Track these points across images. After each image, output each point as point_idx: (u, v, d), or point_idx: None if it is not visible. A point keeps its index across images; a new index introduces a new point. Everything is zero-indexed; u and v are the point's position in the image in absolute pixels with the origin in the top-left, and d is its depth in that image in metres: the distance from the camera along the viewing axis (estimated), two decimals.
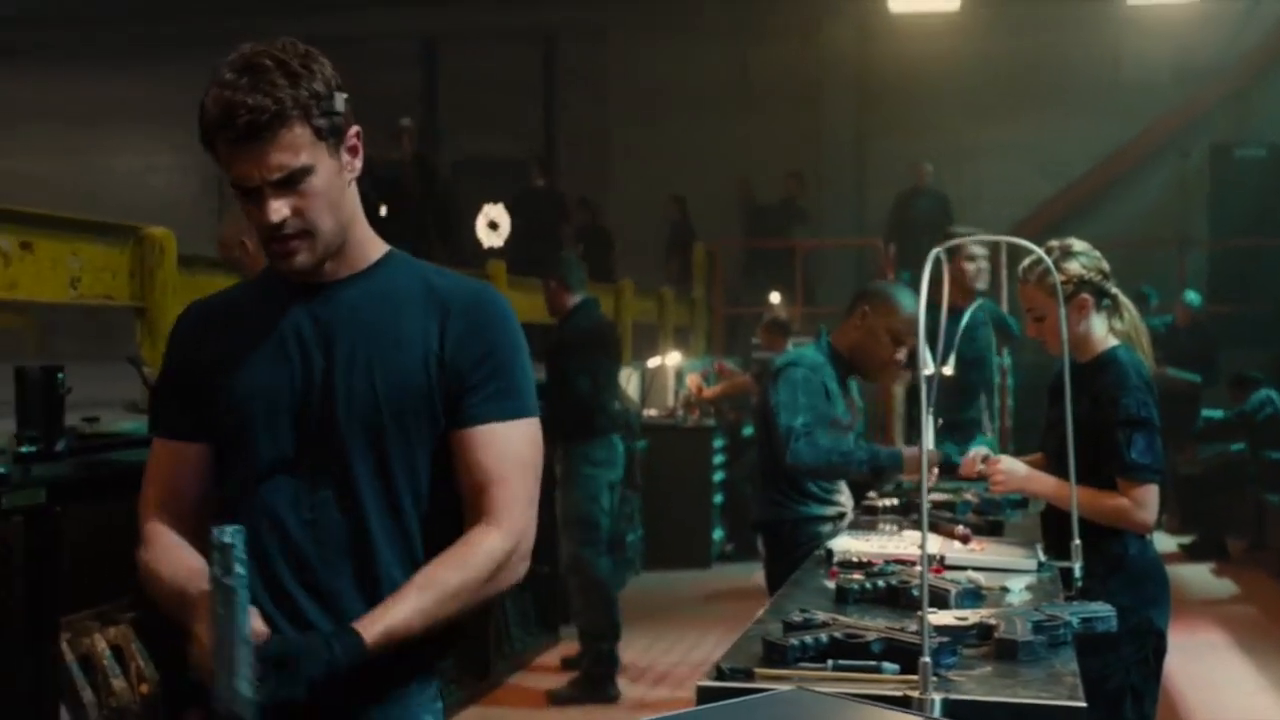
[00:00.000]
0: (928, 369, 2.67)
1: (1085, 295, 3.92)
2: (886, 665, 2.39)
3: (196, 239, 5.80)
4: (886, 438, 5.58)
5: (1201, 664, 7.59)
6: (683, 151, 16.84)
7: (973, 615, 2.72)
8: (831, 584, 3.21)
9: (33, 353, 13.56)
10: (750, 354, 11.95)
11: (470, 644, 6.86)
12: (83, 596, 4.19)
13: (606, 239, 14.95)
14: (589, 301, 7.12)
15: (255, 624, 2.09)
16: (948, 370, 4.67)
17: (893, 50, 16.72)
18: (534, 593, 7.81)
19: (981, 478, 4.13)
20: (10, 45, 18.90)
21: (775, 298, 13.45)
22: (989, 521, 4.22)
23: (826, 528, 4.84)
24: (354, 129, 2.27)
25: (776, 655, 2.46)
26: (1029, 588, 3.31)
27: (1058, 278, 3.55)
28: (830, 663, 2.42)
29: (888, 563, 3.38)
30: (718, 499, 10.96)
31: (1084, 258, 3.95)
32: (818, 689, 2.16)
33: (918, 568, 3.19)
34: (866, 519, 4.54)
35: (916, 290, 2.44)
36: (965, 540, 3.73)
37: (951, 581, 3.02)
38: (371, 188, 11.22)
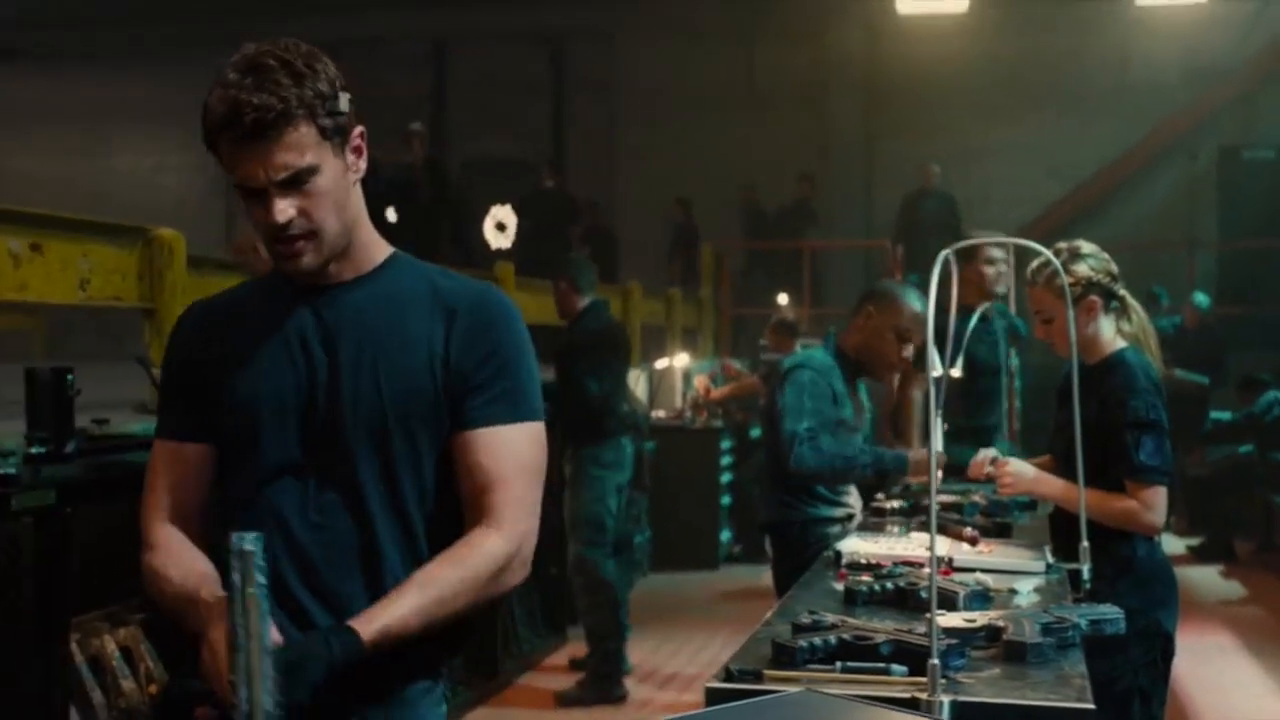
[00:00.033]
0: (936, 371, 2.67)
1: (1094, 297, 3.92)
2: (895, 667, 2.39)
3: (205, 240, 5.82)
4: (905, 443, 5.55)
5: (1210, 666, 7.59)
6: (689, 153, 16.86)
7: (981, 617, 2.71)
8: (840, 586, 3.21)
9: (42, 354, 13.59)
10: (758, 355, 11.95)
11: (478, 645, 6.87)
12: (92, 597, 4.19)
13: (611, 241, 14.97)
14: (599, 303, 7.13)
15: (272, 633, 2.06)
16: (955, 372, 4.67)
17: (900, 51, 16.72)
18: (541, 594, 7.82)
19: (990, 480, 4.13)
20: (17, 47, 18.95)
21: (783, 299, 13.45)
22: (997, 523, 4.22)
23: (834, 529, 4.84)
24: (358, 129, 2.26)
25: (785, 657, 2.46)
26: (1037, 590, 3.31)
27: (1066, 280, 3.54)
28: (839, 664, 2.42)
29: (896, 565, 3.37)
30: (725, 500, 10.96)
31: (1092, 260, 3.95)
32: (826, 691, 2.16)
33: (926, 569, 3.18)
34: (875, 521, 4.54)
35: (925, 292, 2.44)
36: (973, 542, 3.73)
37: (960, 583, 3.02)
38: (382, 191, 11.26)
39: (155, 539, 2.31)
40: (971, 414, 5.48)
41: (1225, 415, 11.79)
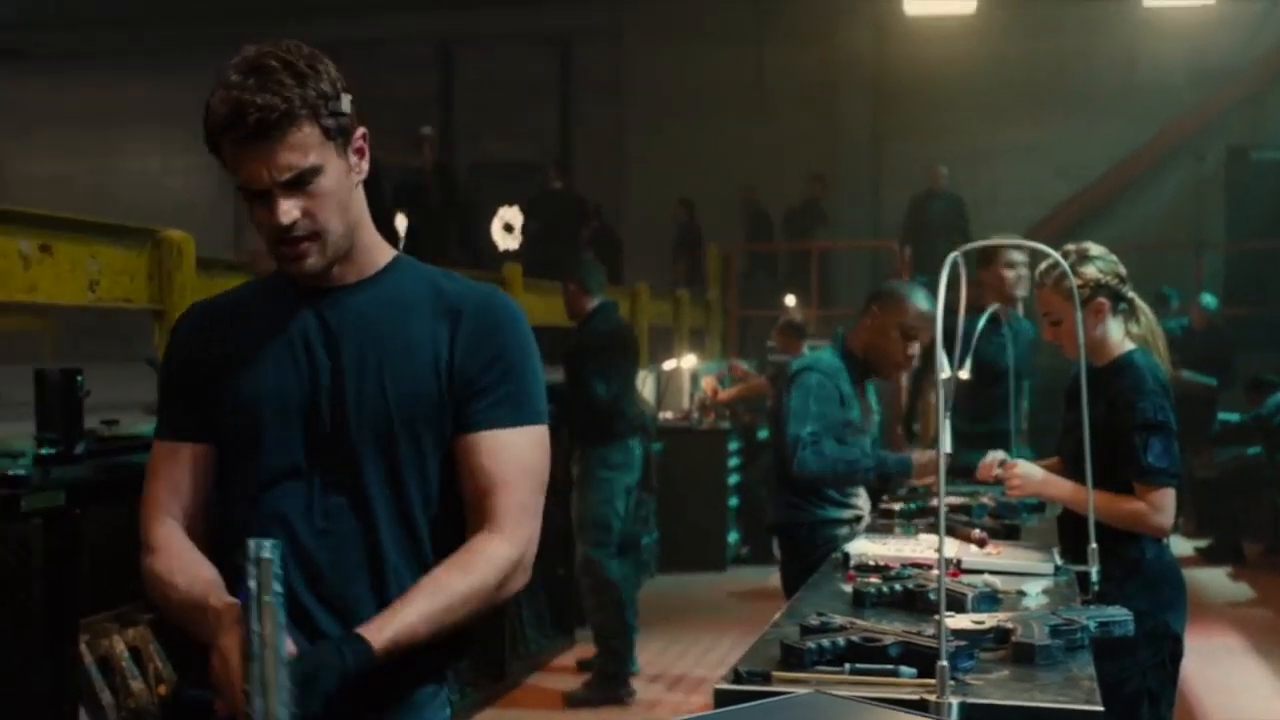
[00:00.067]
0: (944, 373, 2.67)
1: (1102, 299, 3.92)
2: (904, 669, 2.39)
3: (213, 241, 5.83)
4: (925, 445, 5.54)
5: (1218, 668, 7.58)
6: (697, 154, 16.87)
7: (990, 619, 2.71)
8: (848, 587, 3.21)
9: (51, 355, 13.61)
10: (765, 356, 11.94)
11: (486, 646, 6.88)
12: (101, 598, 4.20)
13: (615, 243, 14.97)
14: (607, 305, 7.14)
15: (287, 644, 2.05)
16: (964, 374, 4.67)
17: (908, 53, 16.72)
18: (549, 595, 7.83)
19: (998, 482, 4.13)
20: (25, 48, 18.97)
21: (790, 300, 13.45)
22: (1005, 525, 4.22)
23: (843, 531, 4.85)
24: (360, 131, 2.26)
25: (794, 658, 2.46)
26: (1046, 591, 3.31)
27: (1074, 282, 3.55)
28: (847, 666, 2.42)
29: (904, 566, 3.37)
30: (733, 502, 10.96)
31: (1100, 262, 3.95)
32: (835, 692, 2.17)
33: (934, 571, 3.19)
34: (883, 522, 4.54)
35: (934, 293, 2.44)
36: (982, 544, 3.73)
37: (968, 585, 3.02)
38: (392, 194, 11.28)
39: (156, 542, 2.28)
40: (989, 418, 5.45)
41: (1233, 417, 11.77)
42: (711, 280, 14.49)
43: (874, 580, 3.19)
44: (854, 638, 2.50)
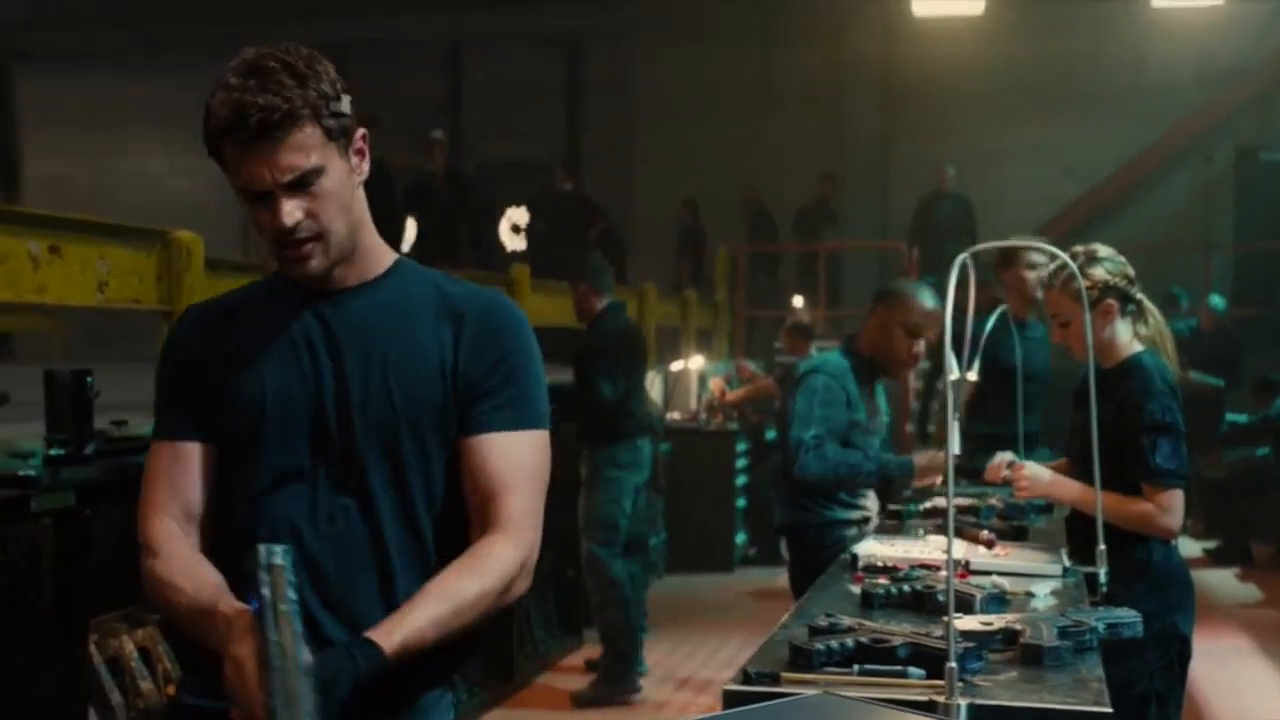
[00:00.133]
0: (953, 374, 2.67)
1: (1110, 300, 3.92)
2: (912, 670, 2.39)
3: (221, 242, 5.83)
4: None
5: (1226, 669, 7.57)
6: (706, 155, 16.86)
7: (998, 620, 2.72)
8: (857, 589, 3.21)
9: (60, 356, 13.63)
10: (772, 357, 11.95)
11: (494, 647, 6.89)
12: (111, 598, 4.21)
13: (620, 244, 14.97)
14: (616, 305, 7.16)
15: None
16: (972, 375, 4.68)
17: (916, 53, 16.71)
18: (557, 596, 7.84)
19: (1006, 483, 4.13)
20: (32, 48, 18.99)
21: (798, 301, 13.45)
22: (1013, 526, 4.22)
23: (850, 532, 4.85)
24: (360, 131, 2.25)
25: (802, 659, 2.47)
26: (1054, 593, 3.31)
27: (1083, 283, 3.54)
28: (856, 667, 2.43)
29: (912, 568, 3.38)
30: (740, 502, 10.96)
31: (1109, 263, 3.95)
32: (844, 693, 2.17)
33: (943, 572, 3.19)
34: (891, 524, 4.54)
35: (941, 293, 2.44)
36: (990, 545, 3.73)
37: (977, 586, 3.03)
38: (403, 198, 11.30)
39: (158, 544, 2.24)
40: (1009, 421, 5.43)
41: (1241, 418, 11.76)
42: (719, 281, 14.48)
43: (882, 581, 3.20)
44: (862, 639, 2.51)
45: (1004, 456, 4.14)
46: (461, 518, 2.28)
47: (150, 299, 4.82)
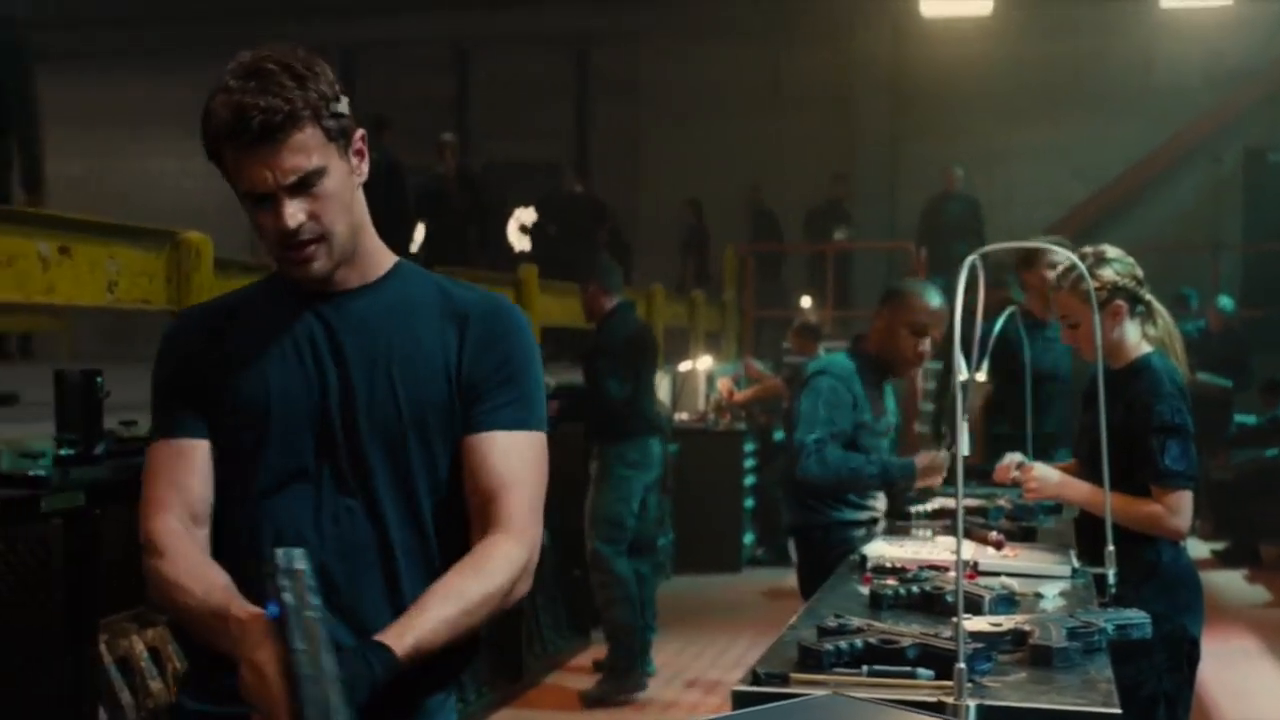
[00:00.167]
0: (962, 375, 2.67)
1: (1119, 302, 3.92)
2: (921, 671, 2.39)
3: (230, 242, 5.83)
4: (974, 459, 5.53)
5: (1235, 671, 7.56)
6: (712, 155, 16.87)
7: (1007, 621, 2.72)
8: (865, 590, 3.21)
9: (68, 356, 13.64)
10: (779, 357, 11.94)
11: (503, 648, 6.90)
12: (121, 598, 4.22)
13: (624, 246, 14.96)
14: (626, 305, 7.20)
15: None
16: (981, 377, 4.68)
17: (925, 54, 16.71)
18: (566, 596, 7.85)
19: (1015, 484, 4.13)
20: (42, 48, 19.00)
21: (806, 302, 13.45)
22: (1022, 527, 4.22)
23: (859, 532, 4.85)
24: (359, 132, 2.25)
25: (812, 660, 2.46)
26: (1063, 594, 3.30)
27: (1092, 284, 3.55)
28: (865, 668, 2.43)
29: (921, 569, 3.37)
30: (748, 503, 10.96)
31: (1118, 264, 3.95)
32: (853, 694, 2.17)
33: (951, 573, 3.19)
34: (900, 524, 4.54)
35: (948, 293, 2.44)
36: (999, 546, 3.73)
37: (985, 587, 3.03)
38: (415, 200, 11.31)
39: (163, 544, 2.19)
40: (1031, 421, 5.42)
41: (1250, 419, 11.75)
42: (728, 281, 14.48)
43: (891, 582, 3.19)
44: (871, 640, 2.50)
45: (1013, 457, 4.14)
46: (463, 518, 2.27)
47: (159, 299, 4.84)
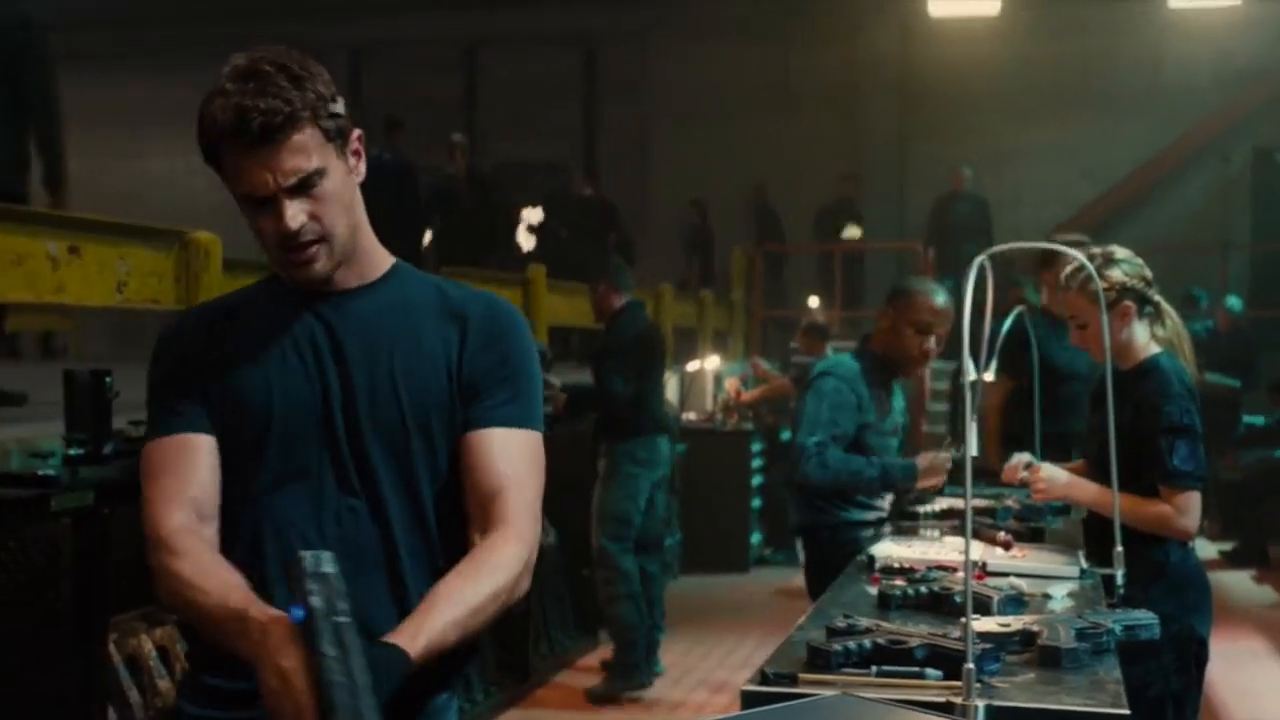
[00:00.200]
0: (970, 376, 2.67)
1: (1128, 302, 3.92)
2: (930, 671, 2.39)
3: (238, 242, 5.84)
4: (991, 460, 5.53)
5: (1243, 671, 7.55)
6: (721, 155, 16.87)
7: (1015, 622, 2.72)
8: (874, 590, 3.21)
9: (74, 355, 13.66)
10: (787, 357, 11.94)
11: (511, 647, 6.91)
12: (129, 597, 4.22)
13: (629, 247, 14.95)
14: (636, 304, 7.22)
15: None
16: (989, 376, 4.67)
17: (933, 54, 16.71)
18: (574, 595, 7.85)
19: (1023, 485, 4.13)
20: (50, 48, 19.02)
21: (814, 302, 13.44)
22: (1030, 528, 4.22)
23: (867, 533, 4.85)
24: (356, 132, 2.25)
25: (820, 660, 2.47)
26: (1071, 594, 3.30)
27: (1100, 285, 3.54)
28: (874, 668, 2.43)
29: (930, 569, 3.38)
30: (755, 503, 10.96)
31: (1126, 265, 3.95)
32: (861, 694, 2.18)
33: (960, 574, 3.19)
34: (908, 525, 4.54)
35: (960, 295, 2.44)
36: (1007, 546, 3.73)
37: (994, 588, 3.03)
38: (426, 200, 11.32)
39: (174, 542, 2.15)
40: (1051, 420, 5.42)
41: (1258, 419, 11.73)
42: (735, 281, 14.48)
43: (899, 583, 3.20)
44: (880, 640, 2.51)
45: (1021, 458, 4.14)
46: (463, 516, 2.26)
47: (169, 299, 4.85)
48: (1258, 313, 13.96)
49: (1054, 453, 4.50)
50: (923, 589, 3.10)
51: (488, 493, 2.23)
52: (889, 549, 3.78)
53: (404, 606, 2.16)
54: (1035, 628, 2.65)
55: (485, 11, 18.03)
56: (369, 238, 2.31)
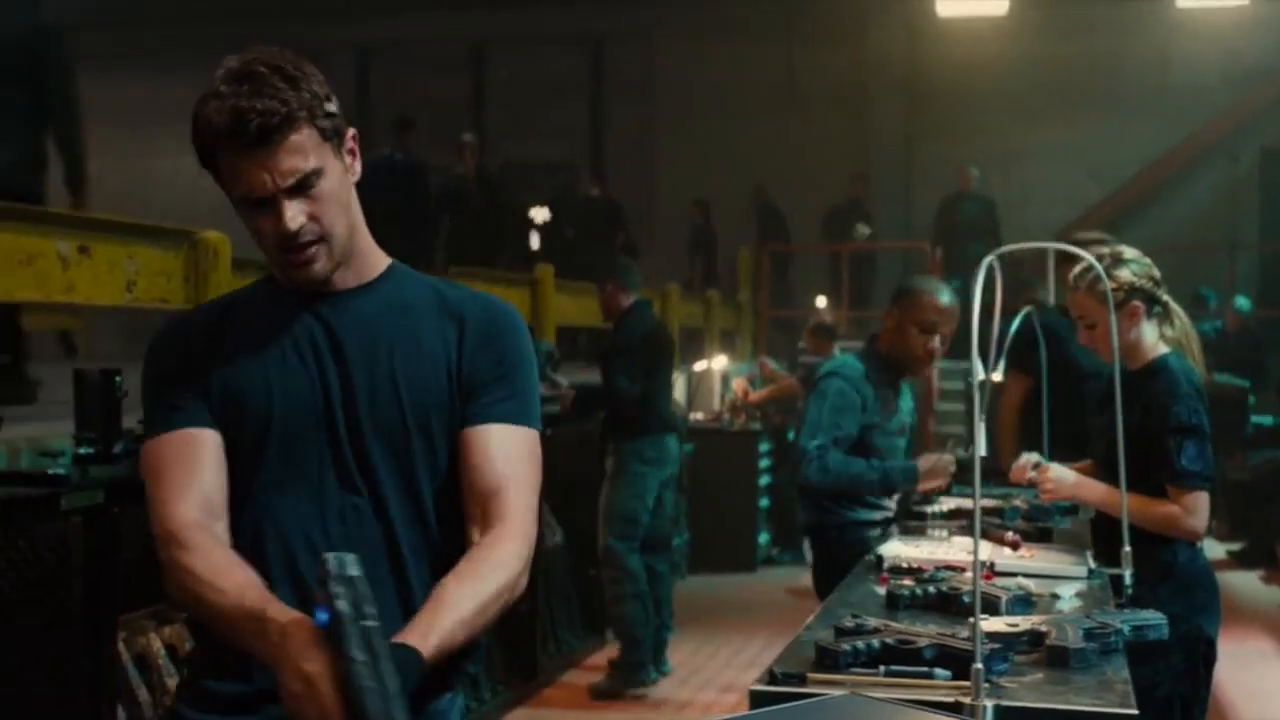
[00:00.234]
0: (979, 376, 2.67)
1: (1136, 302, 3.91)
2: (938, 671, 2.39)
3: (247, 242, 5.86)
4: (1003, 462, 5.52)
5: (1251, 672, 7.54)
6: (727, 155, 16.88)
7: (1024, 622, 2.72)
8: (882, 590, 3.21)
9: (84, 354, 13.68)
10: (794, 357, 11.95)
11: (518, 647, 6.91)
12: (139, 596, 4.24)
13: (632, 248, 14.96)
14: (644, 303, 7.22)
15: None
16: (997, 376, 4.67)
17: (940, 54, 16.70)
18: (581, 595, 7.86)
19: (1031, 485, 4.13)
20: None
21: (821, 302, 13.44)
22: (1038, 528, 4.21)
23: (874, 532, 4.85)
24: (351, 131, 2.25)
25: (829, 660, 2.47)
26: (1079, 595, 3.30)
27: (1109, 285, 3.54)
28: (882, 668, 2.43)
29: (938, 569, 3.38)
30: (763, 503, 10.96)
31: (1135, 265, 3.95)
32: (870, 694, 2.18)
33: (968, 574, 3.19)
34: (916, 524, 4.54)
35: (967, 295, 2.44)
36: (1015, 546, 3.73)
37: (1002, 588, 3.03)
38: (436, 201, 11.34)
39: (186, 538, 2.13)
40: (1072, 419, 5.41)
41: (1266, 419, 11.71)
42: (742, 281, 14.48)
43: (908, 583, 3.20)
44: (888, 640, 2.51)
45: (1030, 457, 4.14)
46: (462, 515, 2.26)
47: (178, 298, 4.86)
48: (1266, 313, 13.94)
49: (1076, 452, 4.49)
50: (931, 589, 3.10)
51: (487, 490, 2.23)
52: (897, 549, 3.78)
53: (409, 605, 2.16)
54: (1043, 628, 2.65)
55: (490, 11, 18.05)
56: (366, 238, 2.31)
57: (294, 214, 2.15)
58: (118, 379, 4.24)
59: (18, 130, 6.54)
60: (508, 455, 2.25)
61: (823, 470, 4.71)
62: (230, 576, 2.08)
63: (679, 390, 10.41)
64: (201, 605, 2.10)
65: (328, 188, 2.18)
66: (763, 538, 10.96)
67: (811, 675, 2.41)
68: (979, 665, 2.23)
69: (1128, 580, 3.33)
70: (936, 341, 4.92)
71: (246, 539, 2.20)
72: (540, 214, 14.35)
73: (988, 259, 2.45)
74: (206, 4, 18.17)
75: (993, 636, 2.53)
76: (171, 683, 4.28)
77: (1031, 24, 15.95)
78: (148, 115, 18.39)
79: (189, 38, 18.16)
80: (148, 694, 4.23)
